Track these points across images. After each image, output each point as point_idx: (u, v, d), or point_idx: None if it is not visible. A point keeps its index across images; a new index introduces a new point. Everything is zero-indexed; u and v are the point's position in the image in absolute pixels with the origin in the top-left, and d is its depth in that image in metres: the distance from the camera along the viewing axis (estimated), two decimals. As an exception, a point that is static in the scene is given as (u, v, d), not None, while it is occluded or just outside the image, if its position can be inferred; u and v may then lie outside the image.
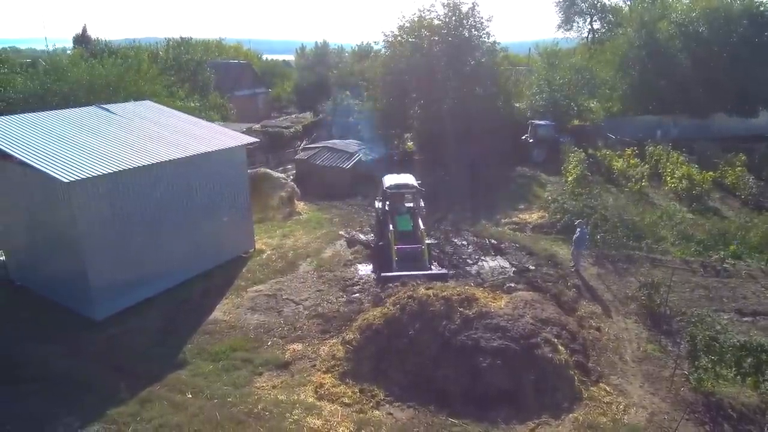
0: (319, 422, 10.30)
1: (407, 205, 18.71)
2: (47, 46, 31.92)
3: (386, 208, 18.14)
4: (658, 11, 37.51)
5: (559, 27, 56.60)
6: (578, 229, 17.34)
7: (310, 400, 11.01)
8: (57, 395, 11.01)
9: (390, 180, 18.60)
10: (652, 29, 36.07)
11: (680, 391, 11.11)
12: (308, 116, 44.45)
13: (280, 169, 29.46)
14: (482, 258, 18.20)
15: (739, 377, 10.82)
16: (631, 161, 27.10)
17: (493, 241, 19.53)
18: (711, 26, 34.70)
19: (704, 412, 10.65)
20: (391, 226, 17.05)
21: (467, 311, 11.96)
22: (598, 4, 54.66)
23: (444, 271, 16.20)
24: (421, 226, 17.30)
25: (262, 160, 30.32)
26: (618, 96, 38.46)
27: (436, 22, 31.99)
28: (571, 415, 10.42)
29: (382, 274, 15.57)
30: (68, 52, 33.44)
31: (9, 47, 28.72)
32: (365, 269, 17.16)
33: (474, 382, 10.86)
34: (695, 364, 11.13)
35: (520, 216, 22.24)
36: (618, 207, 21.66)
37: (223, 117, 33.78)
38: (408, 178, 18.88)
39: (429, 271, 15.48)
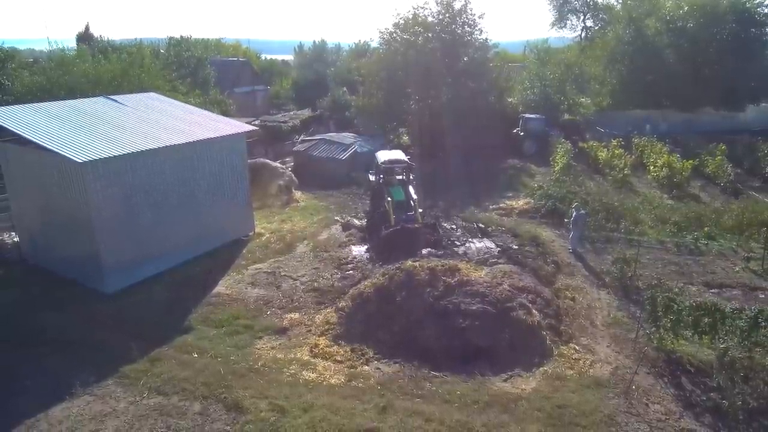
0: (313, 375, 11.40)
1: (398, 177, 20.24)
2: (50, 45, 32.71)
3: (380, 181, 19.78)
4: (646, 8, 38.49)
5: (553, 25, 57.58)
6: (575, 213, 18.25)
7: (306, 358, 12.11)
8: (73, 355, 11.98)
9: (383, 156, 20.31)
10: (641, 25, 37.05)
11: (643, 349, 12.14)
12: (306, 113, 45.40)
13: (279, 161, 30.42)
14: (470, 240, 19.16)
15: (696, 336, 11.87)
16: (616, 152, 28.14)
17: (480, 225, 20.54)
18: (698, 22, 35.58)
19: (664, 367, 11.69)
20: (389, 198, 18.30)
21: (450, 280, 13.03)
22: (591, 2, 55.55)
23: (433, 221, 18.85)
24: (413, 196, 18.73)
25: (261, 152, 31.31)
26: (607, 91, 39.38)
27: (429, 19, 33.03)
28: (541, 368, 11.53)
29: (385, 232, 17.20)
30: (68, 52, 34.10)
31: (8, 47, 29.45)
32: (359, 250, 18.21)
33: (454, 340, 11.94)
34: (656, 324, 12.17)
35: (508, 203, 23.29)
36: (600, 193, 22.75)
37: (223, 113, 34.58)
38: (399, 154, 20.78)
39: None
